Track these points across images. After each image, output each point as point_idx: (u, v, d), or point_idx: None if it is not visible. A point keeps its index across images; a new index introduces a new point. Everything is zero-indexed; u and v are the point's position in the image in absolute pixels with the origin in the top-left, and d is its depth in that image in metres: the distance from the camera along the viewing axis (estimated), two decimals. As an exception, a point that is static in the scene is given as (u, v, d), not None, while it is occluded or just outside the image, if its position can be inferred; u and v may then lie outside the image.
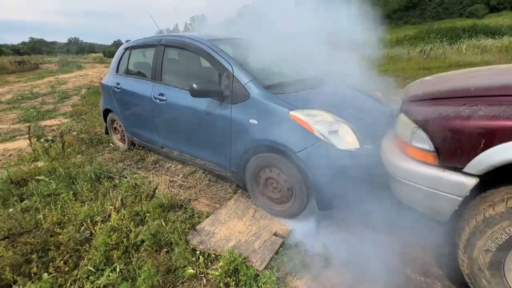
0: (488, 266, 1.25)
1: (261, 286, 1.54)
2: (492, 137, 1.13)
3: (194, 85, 2.06)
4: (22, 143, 4.20)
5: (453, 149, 1.25)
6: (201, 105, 2.30)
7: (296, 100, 1.98)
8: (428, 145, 1.34)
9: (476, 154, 1.18)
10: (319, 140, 1.79)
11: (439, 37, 20.27)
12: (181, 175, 2.83)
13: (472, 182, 1.21)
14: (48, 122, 5.48)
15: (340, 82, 2.76)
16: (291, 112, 1.87)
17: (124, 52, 3.30)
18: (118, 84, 3.21)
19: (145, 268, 1.50)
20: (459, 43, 15.42)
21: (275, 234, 1.96)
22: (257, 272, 1.61)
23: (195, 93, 2.07)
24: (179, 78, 2.67)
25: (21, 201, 2.34)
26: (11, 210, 2.17)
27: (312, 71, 2.87)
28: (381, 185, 1.73)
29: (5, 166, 3.21)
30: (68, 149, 3.51)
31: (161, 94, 2.63)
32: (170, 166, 3.11)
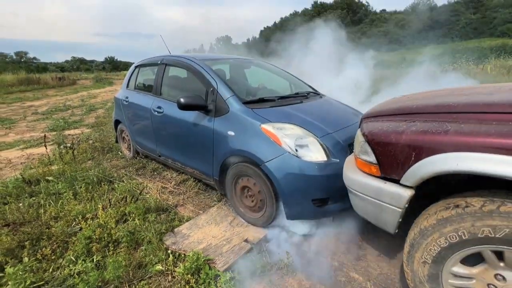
0: (427, 279, 1.27)
1: (219, 285, 1.63)
2: (420, 151, 1.20)
3: (181, 99, 2.29)
4: (47, 149, 4.68)
5: (390, 161, 1.32)
6: (190, 117, 2.52)
7: (270, 114, 2.13)
8: (371, 157, 1.42)
9: (409, 167, 1.24)
10: (286, 152, 1.91)
11: (465, 57, 19.64)
12: (173, 182, 3.03)
13: (408, 193, 1.27)
14: (71, 132, 6.04)
15: (327, 99, 2.88)
16: (262, 125, 2.02)
17: (134, 70, 3.68)
18: (127, 97, 3.56)
19: (111, 260, 1.66)
20: (484, 63, 14.82)
21: (245, 240, 2.06)
22: (218, 273, 1.71)
23: (181, 106, 2.29)
24: (174, 93, 2.94)
25: (31, 197, 2.65)
26: (20, 204, 2.47)
27: (300, 88, 3.03)
28: (346, 197, 1.79)
29: (27, 167, 3.62)
30: (82, 155, 3.88)
31: (159, 107, 2.91)
32: (167, 174, 3.33)
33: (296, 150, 1.94)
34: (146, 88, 3.38)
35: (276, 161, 1.91)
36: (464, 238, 1.11)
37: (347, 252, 1.96)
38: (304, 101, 2.59)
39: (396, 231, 1.42)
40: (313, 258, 1.89)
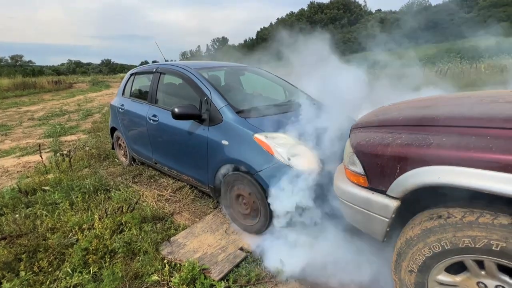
0: (414, 287, 1.31)
1: (214, 295, 1.67)
2: (405, 164, 1.24)
3: (176, 109, 2.32)
4: (43, 157, 4.69)
5: (377, 173, 1.37)
6: (185, 126, 2.56)
7: (263, 124, 2.17)
8: (359, 168, 1.46)
9: (395, 179, 1.29)
10: (278, 161, 1.95)
11: (459, 56, 19.83)
12: (169, 190, 3.06)
13: (394, 204, 1.31)
14: (68, 138, 6.04)
15: (320, 106, 2.92)
16: (255, 135, 2.06)
17: (130, 77, 3.71)
18: (122, 105, 3.58)
19: (106, 274, 1.69)
20: (478, 62, 14.99)
21: (240, 249, 2.09)
22: (213, 282, 1.75)
23: (176, 116, 2.33)
24: (169, 101, 2.97)
25: (27, 208, 2.66)
26: (17, 215, 2.49)
27: (293, 96, 3.07)
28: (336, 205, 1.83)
29: (23, 177, 3.63)
30: (78, 163, 3.90)
31: (154, 115, 2.94)
32: (163, 181, 3.35)
33: (289, 159, 1.98)
34: (142, 96, 3.41)
35: (269, 170, 1.95)
36: (446, 248, 1.15)
37: (340, 258, 2.00)
38: (298, 109, 2.63)
39: (385, 239, 1.46)
40: (307, 265, 1.92)
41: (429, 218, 1.24)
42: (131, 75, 3.70)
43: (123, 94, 3.77)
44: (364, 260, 1.96)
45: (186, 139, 2.57)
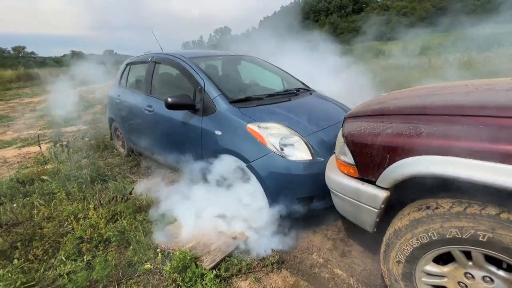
0: (401, 278, 1.30)
1: (205, 284, 1.68)
2: (394, 153, 1.21)
3: (169, 99, 2.30)
4: (42, 147, 4.72)
5: (367, 163, 1.34)
6: (179, 116, 2.54)
7: (256, 113, 2.14)
8: (349, 158, 1.43)
9: (384, 169, 1.26)
10: (270, 152, 1.92)
11: (468, 45, 19.31)
12: (166, 180, 3.06)
13: (383, 194, 1.29)
14: (68, 129, 6.07)
15: (316, 96, 2.88)
16: (248, 125, 2.03)
17: (126, 67, 3.67)
18: (119, 95, 3.57)
19: (97, 261, 1.71)
20: (487, 51, 14.59)
21: (234, 238, 2.10)
22: (204, 271, 1.76)
23: (168, 106, 2.30)
24: (164, 91, 2.94)
25: (25, 197, 2.69)
26: (14, 205, 2.52)
27: (289, 85, 3.02)
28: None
29: (22, 167, 3.67)
30: (77, 154, 3.92)
31: (149, 106, 2.92)
32: (161, 171, 3.36)
33: (282, 149, 1.95)
34: (137, 86, 3.38)
35: (261, 160, 1.93)
36: (433, 238, 1.14)
37: (332, 248, 2.00)
38: (293, 98, 2.59)
39: (375, 230, 1.45)
40: (299, 254, 1.93)
41: (417, 209, 1.22)
42: (127, 64, 3.67)
43: (119, 84, 3.75)
44: (360, 250, 1.97)
45: (180, 129, 2.55)
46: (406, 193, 1.33)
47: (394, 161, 1.21)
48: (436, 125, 1.14)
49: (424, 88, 1.83)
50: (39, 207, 2.44)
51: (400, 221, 1.27)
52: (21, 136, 5.79)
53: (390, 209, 1.39)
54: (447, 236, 1.09)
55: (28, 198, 2.65)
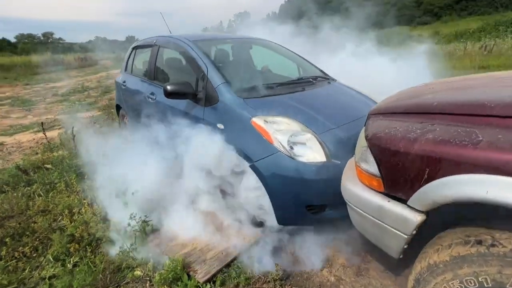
0: (434, 323, 1.02)
1: (197, 299, 1.49)
2: (436, 167, 0.90)
3: (168, 87, 2.06)
4: (55, 133, 4.74)
5: (397, 176, 1.04)
6: (181, 105, 2.31)
7: (264, 105, 1.86)
8: (374, 168, 1.13)
9: (420, 186, 0.95)
10: (277, 151, 1.65)
11: (510, 30, 17.42)
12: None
13: (418, 218, 0.99)
14: (83, 115, 6.09)
15: (336, 85, 2.52)
16: (253, 119, 1.76)
17: (132, 51, 3.47)
18: (124, 82, 3.39)
19: (78, 270, 1.56)
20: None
21: (233, 246, 1.88)
22: (198, 284, 1.56)
23: (168, 94, 2.07)
24: (167, 78, 2.71)
25: (28, 185, 2.63)
26: (15, 194, 2.45)
27: (306, 72, 2.68)
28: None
29: (31, 153, 3.66)
30: (84, 141, 3.85)
31: (152, 93, 2.71)
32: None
33: (292, 148, 1.67)
34: (141, 72, 3.18)
35: (266, 161, 1.66)
36: (486, 286, 0.83)
37: (347, 264, 1.73)
38: (308, 88, 2.26)
39: (401, 256, 1.16)
40: (307, 270, 1.68)
41: (463, 241, 0.92)
42: (133, 48, 3.47)
43: (125, 69, 3.57)
44: (379, 268, 1.68)
45: (182, 121, 2.32)
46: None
47: (436, 177, 0.90)
48: (502, 132, 0.81)
49: (471, 79, 1.45)
50: (37, 198, 2.35)
51: (437, 254, 0.97)
52: (39, 120, 5.88)
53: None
54: (508, 286, 0.79)
55: (29, 188, 2.58)
